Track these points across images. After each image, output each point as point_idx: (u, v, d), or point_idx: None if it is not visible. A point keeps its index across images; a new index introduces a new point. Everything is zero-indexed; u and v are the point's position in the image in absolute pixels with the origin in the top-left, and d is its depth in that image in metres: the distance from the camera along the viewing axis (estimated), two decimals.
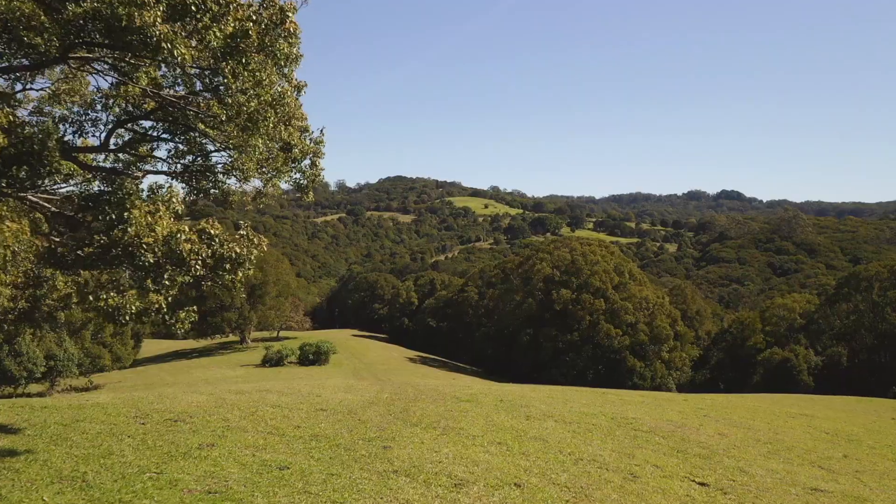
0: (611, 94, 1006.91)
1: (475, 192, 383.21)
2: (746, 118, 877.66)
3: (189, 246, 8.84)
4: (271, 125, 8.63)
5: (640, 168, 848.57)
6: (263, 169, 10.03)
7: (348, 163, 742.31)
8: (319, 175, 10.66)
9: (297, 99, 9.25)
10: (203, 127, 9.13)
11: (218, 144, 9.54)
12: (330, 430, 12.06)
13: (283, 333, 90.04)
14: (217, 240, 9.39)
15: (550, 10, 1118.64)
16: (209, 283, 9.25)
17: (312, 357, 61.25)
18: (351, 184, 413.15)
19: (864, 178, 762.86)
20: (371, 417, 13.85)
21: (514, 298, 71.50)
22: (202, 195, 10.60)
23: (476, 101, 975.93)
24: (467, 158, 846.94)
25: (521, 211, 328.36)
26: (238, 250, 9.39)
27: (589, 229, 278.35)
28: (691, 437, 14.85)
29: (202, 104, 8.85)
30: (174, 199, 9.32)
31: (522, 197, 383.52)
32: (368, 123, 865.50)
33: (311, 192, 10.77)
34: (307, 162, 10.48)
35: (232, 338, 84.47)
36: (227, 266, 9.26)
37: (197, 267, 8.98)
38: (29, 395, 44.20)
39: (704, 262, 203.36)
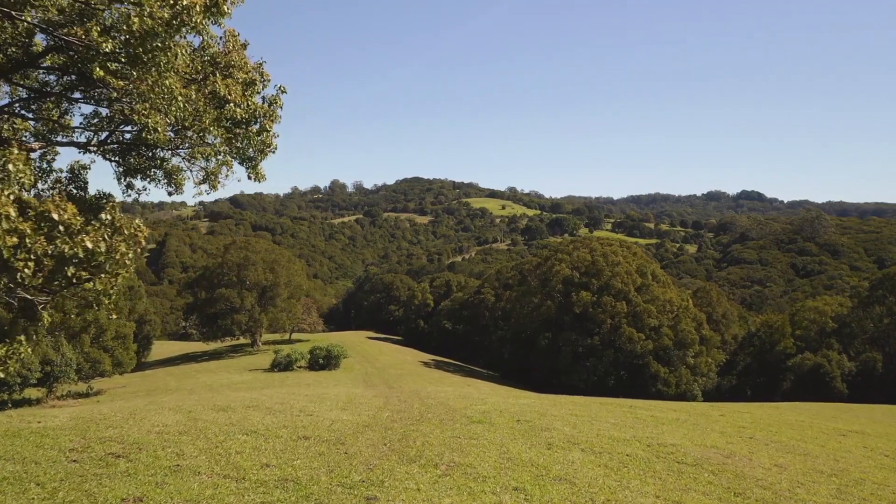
0: (629, 95, 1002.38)
1: (492, 194, 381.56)
2: (766, 118, 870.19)
3: (15, 239, 5.80)
4: (177, 56, 5.55)
5: (658, 168, 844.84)
6: (187, 132, 6.78)
7: (366, 164, 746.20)
8: (271, 144, 7.53)
9: (241, 43, 6.61)
10: (100, 72, 6.00)
11: (117, 94, 6.73)
12: (305, 471, 9.71)
13: (295, 336, 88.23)
14: (61, 230, 6.17)
15: (570, 8, 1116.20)
16: (55, 298, 6.57)
17: (322, 361, 59.01)
18: (368, 185, 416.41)
19: (886, 178, 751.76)
20: (361, 449, 11.51)
21: (532, 301, 68.80)
22: (140, 176, 8.04)
23: (493, 101, 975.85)
24: (484, 159, 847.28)
25: (538, 212, 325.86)
26: (90, 245, 6.23)
27: (607, 230, 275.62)
28: (746, 472, 12.40)
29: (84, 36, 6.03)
30: (12, 167, 6.08)
31: (540, 198, 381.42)
32: (385, 124, 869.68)
33: (260, 167, 7.99)
34: (256, 127, 7.25)
35: (243, 340, 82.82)
36: (72, 270, 6.23)
37: (26, 272, 6.01)
38: (29, 401, 42.65)
39: (725, 262, 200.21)
